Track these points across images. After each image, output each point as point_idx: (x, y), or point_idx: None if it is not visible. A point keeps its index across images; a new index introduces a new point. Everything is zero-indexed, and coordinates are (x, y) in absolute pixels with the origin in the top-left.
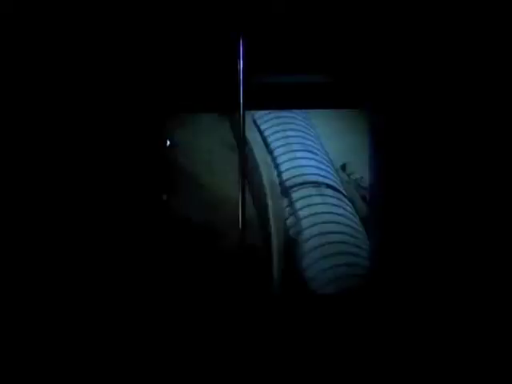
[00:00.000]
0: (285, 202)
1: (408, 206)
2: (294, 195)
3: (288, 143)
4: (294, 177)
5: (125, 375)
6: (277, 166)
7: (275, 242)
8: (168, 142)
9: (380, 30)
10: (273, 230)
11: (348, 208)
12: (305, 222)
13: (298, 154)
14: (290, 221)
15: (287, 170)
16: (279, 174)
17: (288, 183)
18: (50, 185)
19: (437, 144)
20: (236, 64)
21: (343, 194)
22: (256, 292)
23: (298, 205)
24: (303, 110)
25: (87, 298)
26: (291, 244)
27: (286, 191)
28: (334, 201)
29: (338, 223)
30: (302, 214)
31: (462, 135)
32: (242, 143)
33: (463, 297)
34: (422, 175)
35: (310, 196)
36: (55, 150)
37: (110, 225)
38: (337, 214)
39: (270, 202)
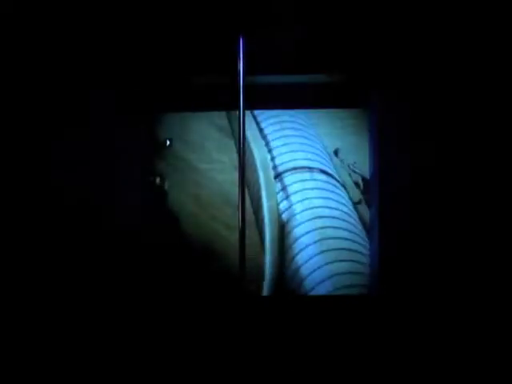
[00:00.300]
0: (278, 186)
1: (408, 207)
2: (287, 180)
3: (282, 128)
4: (287, 161)
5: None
6: (270, 151)
7: (268, 232)
8: (168, 142)
9: (381, 29)
10: (266, 220)
11: (341, 193)
12: (298, 207)
13: (292, 139)
14: (283, 205)
15: (281, 154)
16: (272, 158)
17: (281, 168)
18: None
19: (441, 142)
20: (236, 64)
21: (337, 180)
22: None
23: (291, 189)
24: (303, 110)
25: (69, 301)
26: (284, 231)
27: (279, 176)
28: (327, 186)
29: (330, 208)
30: (294, 198)
31: (466, 134)
32: (241, 143)
33: (472, 302)
34: (423, 176)
35: (303, 181)
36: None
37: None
38: (329, 198)
39: (263, 187)
